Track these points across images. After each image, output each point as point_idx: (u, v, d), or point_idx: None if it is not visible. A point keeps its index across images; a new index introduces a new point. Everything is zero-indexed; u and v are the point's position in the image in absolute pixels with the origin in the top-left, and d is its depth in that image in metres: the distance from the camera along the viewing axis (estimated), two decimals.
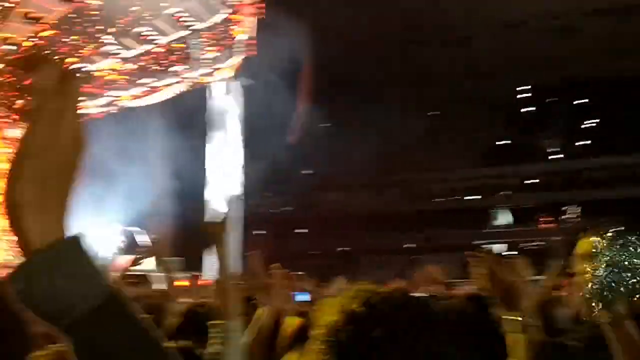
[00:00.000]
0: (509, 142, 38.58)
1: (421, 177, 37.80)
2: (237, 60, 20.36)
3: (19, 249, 0.82)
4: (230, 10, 17.86)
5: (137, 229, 18.93)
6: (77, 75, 0.88)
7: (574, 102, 37.54)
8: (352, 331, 1.16)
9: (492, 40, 28.53)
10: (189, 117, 23.39)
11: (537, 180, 38.00)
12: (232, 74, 21.88)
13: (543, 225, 35.85)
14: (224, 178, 26.12)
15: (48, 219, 0.85)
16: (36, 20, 15.22)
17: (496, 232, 37.33)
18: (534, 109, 38.04)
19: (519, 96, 38.45)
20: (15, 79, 16.27)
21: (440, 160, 37.26)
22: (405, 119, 29.97)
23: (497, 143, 39.01)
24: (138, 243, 18.86)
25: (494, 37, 28.25)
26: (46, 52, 16.32)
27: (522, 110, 38.45)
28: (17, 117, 16.39)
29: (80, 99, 0.87)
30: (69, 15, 15.57)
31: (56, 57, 15.54)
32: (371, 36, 27.48)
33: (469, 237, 34.95)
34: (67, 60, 17.89)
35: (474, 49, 29.84)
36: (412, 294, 1.69)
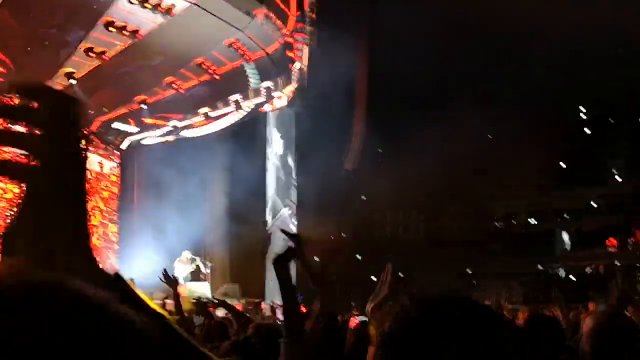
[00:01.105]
0: (573, 164, 37.66)
1: (482, 201, 37.23)
2: (291, 87, 20.64)
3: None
4: (285, 40, 18.15)
5: (197, 256, 19.24)
6: (75, 99, 0.88)
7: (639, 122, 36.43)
8: (407, 336, 1.02)
9: (555, 61, 28.05)
10: (247, 143, 23.73)
11: (602, 203, 36.93)
12: (287, 101, 22.18)
13: (608, 249, 34.73)
14: (281, 203, 26.34)
15: (43, 244, 0.83)
16: (98, 55, 15.81)
17: (559, 256, 36.34)
18: (597, 130, 37.08)
19: (581, 117, 37.56)
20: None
21: (502, 184, 36.66)
22: (466, 142, 29.62)
23: (560, 166, 38.14)
24: (201, 269, 19.18)
25: (557, 58, 27.80)
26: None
27: (586, 131, 37.54)
28: None
29: (80, 122, 0.87)
30: (129, 48, 16.10)
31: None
32: (428, 59, 27.43)
33: (532, 261, 34.17)
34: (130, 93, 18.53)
35: (537, 69, 29.39)
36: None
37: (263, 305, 18.73)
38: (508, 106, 30.44)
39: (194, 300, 7.55)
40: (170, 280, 5.94)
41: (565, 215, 37.91)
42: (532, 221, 38.26)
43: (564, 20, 25.39)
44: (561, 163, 38.03)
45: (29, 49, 15.49)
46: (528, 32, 27.59)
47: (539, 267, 35.37)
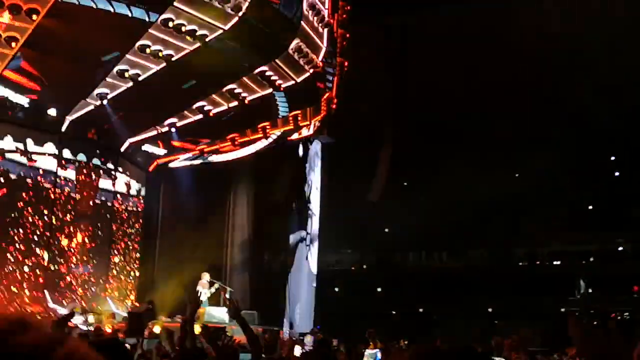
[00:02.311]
0: (597, 207, 37.16)
1: (504, 240, 36.82)
2: (319, 117, 20.77)
3: None
4: (315, 70, 18.31)
5: (216, 281, 19.24)
6: None
7: None
8: None
9: (584, 102, 27.87)
10: (273, 171, 23.84)
11: (626, 248, 36.35)
12: (315, 131, 22.31)
13: (633, 295, 34.07)
14: (304, 233, 26.31)
15: None
16: (131, 76, 16.09)
17: (582, 300, 35.67)
18: (623, 173, 36.62)
19: (610, 160, 37.14)
20: None
21: (524, 224, 36.26)
22: (490, 180, 29.40)
23: (586, 208, 37.65)
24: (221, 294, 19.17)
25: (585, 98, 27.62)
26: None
27: (612, 174, 37.09)
28: None
29: None
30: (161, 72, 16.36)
31: None
32: (451, 97, 27.45)
33: (554, 304, 33.54)
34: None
35: (566, 110, 29.21)
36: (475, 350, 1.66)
37: (282, 334, 18.64)
38: (537, 146, 30.22)
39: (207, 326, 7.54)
40: (193, 300, 5.97)
41: (590, 258, 37.29)
42: (556, 263, 37.69)
43: (596, 63, 25.32)
44: (585, 207, 37.60)
45: (65, 67, 15.83)
46: (556, 73, 27.52)
47: (562, 310, 34.74)
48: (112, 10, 13.95)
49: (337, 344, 16.70)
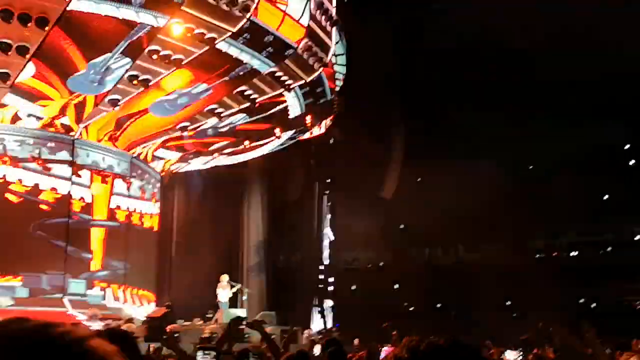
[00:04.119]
0: (619, 196, 36.85)
1: (523, 231, 36.62)
2: (330, 116, 20.77)
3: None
4: (324, 69, 18.31)
5: (234, 282, 19.32)
6: None
7: None
8: None
9: (598, 89, 27.71)
10: (286, 172, 23.89)
11: None
12: (325, 129, 22.33)
13: None
14: (320, 232, 26.36)
15: None
16: (142, 82, 16.17)
17: (604, 290, 35.38)
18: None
19: (627, 147, 36.83)
20: None
21: (544, 214, 36.03)
22: (509, 172, 29.28)
23: (605, 198, 37.35)
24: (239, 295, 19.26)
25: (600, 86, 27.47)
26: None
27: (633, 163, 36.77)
28: None
29: None
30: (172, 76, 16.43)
31: None
32: (471, 85, 27.34)
33: (574, 295, 33.35)
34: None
35: (581, 100, 29.03)
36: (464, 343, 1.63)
37: (301, 334, 18.64)
38: (551, 136, 30.05)
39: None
40: (234, 333, 6.04)
41: (609, 248, 37.02)
42: (574, 253, 37.45)
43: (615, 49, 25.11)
44: (606, 196, 37.30)
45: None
46: (574, 61, 27.30)
47: (581, 301, 34.51)
48: (119, 16, 14.04)
49: (358, 344, 16.59)
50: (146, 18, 14.17)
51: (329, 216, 26.76)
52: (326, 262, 29.22)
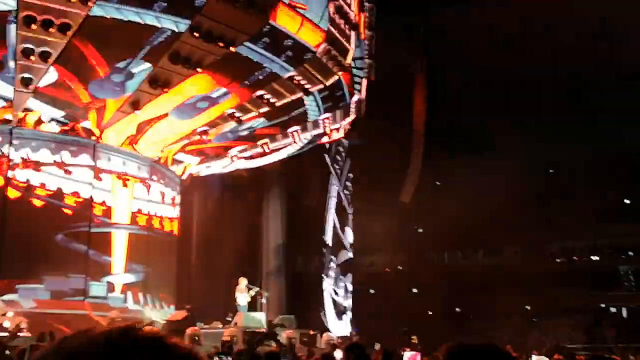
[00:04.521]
0: (634, 200, 36.45)
1: (542, 236, 36.32)
2: (349, 120, 20.75)
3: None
4: (344, 73, 18.30)
5: (253, 286, 19.35)
6: None
7: None
8: None
9: (614, 95, 27.44)
10: (305, 176, 23.91)
11: None
12: (344, 133, 22.29)
13: None
14: (337, 236, 26.31)
15: None
16: (162, 85, 16.27)
17: (620, 294, 34.98)
18: None
19: None
20: None
21: (564, 218, 35.72)
22: (524, 176, 29.10)
23: (623, 201, 36.96)
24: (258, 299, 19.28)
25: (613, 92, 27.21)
26: None
27: None
28: None
29: None
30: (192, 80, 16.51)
31: None
32: (487, 92, 27.24)
33: (592, 299, 32.99)
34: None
35: (595, 103, 28.80)
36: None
37: (322, 337, 18.57)
38: (570, 140, 29.83)
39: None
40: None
41: (629, 252, 36.59)
42: (594, 258, 37.05)
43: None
44: (622, 199, 36.90)
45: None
46: (593, 64, 27.10)
47: (602, 305, 34.16)
48: (140, 21, 14.16)
49: (380, 350, 16.48)
50: (167, 23, 14.29)
51: (348, 219, 26.73)
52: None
